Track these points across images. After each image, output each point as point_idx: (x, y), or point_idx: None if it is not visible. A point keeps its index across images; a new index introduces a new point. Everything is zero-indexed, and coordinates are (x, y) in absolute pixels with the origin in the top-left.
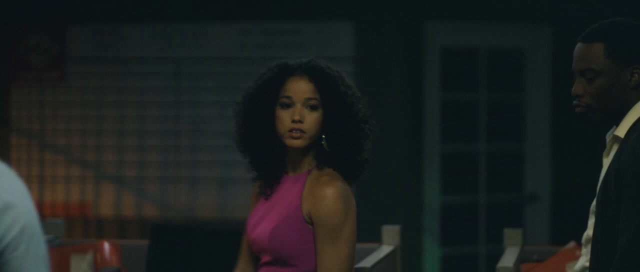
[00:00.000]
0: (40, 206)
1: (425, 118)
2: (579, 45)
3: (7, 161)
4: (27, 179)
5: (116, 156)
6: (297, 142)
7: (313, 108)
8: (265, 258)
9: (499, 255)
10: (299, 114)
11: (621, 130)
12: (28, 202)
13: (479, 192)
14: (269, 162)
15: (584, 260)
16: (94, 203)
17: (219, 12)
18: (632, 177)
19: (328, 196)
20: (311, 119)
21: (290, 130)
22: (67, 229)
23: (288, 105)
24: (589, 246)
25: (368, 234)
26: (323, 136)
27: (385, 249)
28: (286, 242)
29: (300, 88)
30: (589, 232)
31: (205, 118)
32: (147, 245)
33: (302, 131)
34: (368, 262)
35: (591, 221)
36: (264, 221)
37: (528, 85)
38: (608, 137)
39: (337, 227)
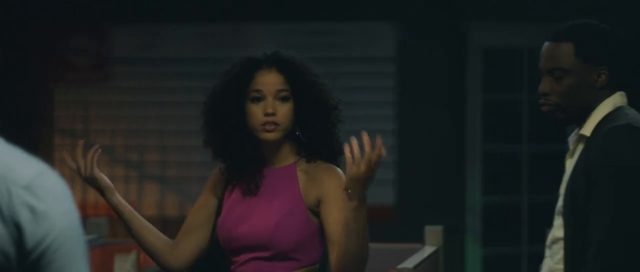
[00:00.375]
0: (83, 206)
1: (467, 118)
2: (547, 44)
3: (51, 161)
4: (71, 179)
5: (159, 155)
6: (271, 135)
7: (284, 99)
8: (259, 254)
9: (541, 255)
10: (271, 107)
11: (587, 129)
12: (64, 207)
13: (521, 192)
14: (245, 158)
15: (550, 261)
16: (137, 203)
17: (261, 13)
18: (601, 171)
19: (335, 177)
20: (284, 111)
21: (264, 124)
22: (111, 229)
23: (259, 99)
24: (554, 247)
25: (410, 234)
26: (297, 128)
27: (427, 250)
28: (290, 236)
29: (270, 81)
30: (555, 233)
31: None
32: None
33: (275, 124)
34: (410, 262)
35: (557, 222)
36: (253, 217)
37: None
38: (571, 139)
39: (343, 199)
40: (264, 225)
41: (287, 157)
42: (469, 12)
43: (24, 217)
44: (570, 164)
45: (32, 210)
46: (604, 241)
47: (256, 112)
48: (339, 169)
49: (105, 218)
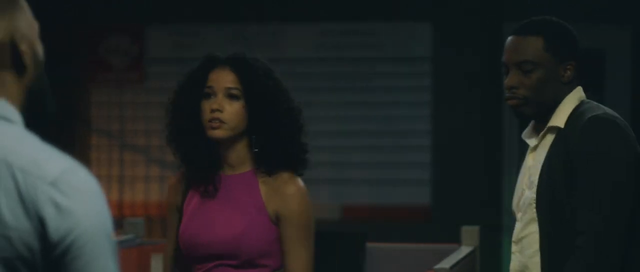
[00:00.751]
0: (119, 206)
1: (503, 118)
2: (513, 38)
3: (87, 160)
4: (107, 179)
5: None
6: (216, 133)
7: (233, 98)
8: (227, 261)
9: None
10: (217, 104)
11: (559, 121)
12: (91, 204)
13: None
14: (198, 157)
15: (520, 257)
16: None
17: (298, 13)
18: (589, 161)
19: (296, 194)
20: (231, 109)
21: (210, 120)
22: (147, 228)
23: (209, 96)
24: (524, 242)
25: (447, 234)
26: (252, 132)
27: (464, 250)
28: (258, 243)
29: (221, 78)
30: (524, 228)
31: None
32: None
33: (221, 121)
34: (447, 263)
35: (526, 216)
36: (217, 224)
37: (608, 86)
38: (527, 134)
39: (305, 225)
40: (231, 233)
41: (244, 163)
42: (504, 12)
43: (48, 212)
44: (535, 158)
45: (57, 205)
46: (601, 232)
47: (205, 108)
48: (299, 181)
49: (141, 218)
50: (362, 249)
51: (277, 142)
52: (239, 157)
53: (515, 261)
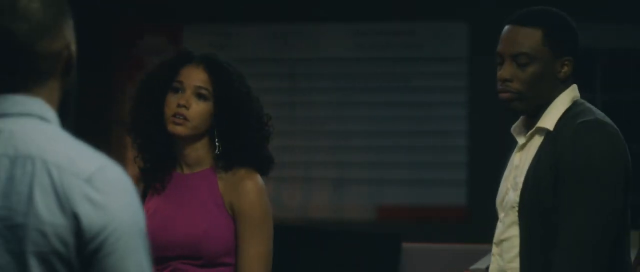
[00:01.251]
0: None
1: None
2: (511, 27)
3: (123, 159)
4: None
5: None
6: (178, 129)
7: (202, 98)
8: (189, 261)
9: None
10: (185, 100)
11: (548, 123)
12: (125, 201)
13: None
14: (157, 151)
15: (500, 260)
16: None
17: (334, 13)
18: (574, 170)
19: (252, 189)
20: (197, 109)
21: (174, 115)
22: None
23: (177, 90)
24: (504, 245)
25: (483, 235)
26: (216, 136)
27: None
28: (220, 242)
29: (193, 75)
30: (506, 230)
31: (320, 119)
32: None
33: (185, 118)
34: (483, 263)
35: (508, 219)
36: (177, 223)
37: None
38: (516, 130)
39: (260, 221)
40: (192, 232)
41: (202, 162)
42: None
43: (83, 208)
44: (522, 157)
45: (91, 202)
46: (572, 247)
47: (171, 102)
48: (257, 177)
49: None
50: (398, 250)
51: (239, 146)
52: (198, 157)
53: (494, 264)
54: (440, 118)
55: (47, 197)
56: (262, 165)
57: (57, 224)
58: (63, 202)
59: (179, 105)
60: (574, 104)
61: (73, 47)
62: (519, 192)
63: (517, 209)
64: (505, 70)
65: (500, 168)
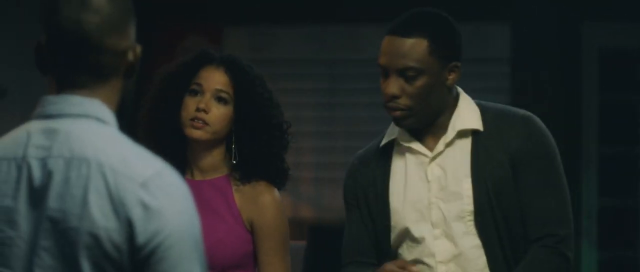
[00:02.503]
0: None
1: (582, 120)
2: (393, 39)
3: None
4: None
5: None
6: (197, 133)
7: (222, 101)
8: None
9: None
10: (205, 103)
11: (472, 123)
12: (180, 207)
13: (639, 195)
14: (170, 155)
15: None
16: None
17: (375, 14)
18: (541, 159)
19: (271, 204)
20: (218, 113)
21: (193, 119)
22: None
23: (196, 93)
24: (458, 261)
25: None
26: (234, 142)
27: None
28: (234, 252)
29: (213, 78)
30: (460, 243)
31: (360, 119)
32: (304, 246)
33: (204, 122)
34: None
35: (440, 231)
36: None
37: None
38: (407, 140)
39: (284, 237)
40: (207, 241)
41: (218, 168)
42: (584, 13)
43: (136, 213)
44: (445, 165)
45: (145, 207)
46: (569, 235)
47: (189, 104)
48: (275, 191)
49: None
50: None
51: (258, 153)
52: (213, 163)
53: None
54: None
55: (102, 201)
56: (279, 177)
57: (111, 229)
58: (117, 206)
59: (198, 109)
60: (480, 102)
61: (138, 51)
62: (466, 200)
63: (471, 218)
64: (392, 86)
65: None
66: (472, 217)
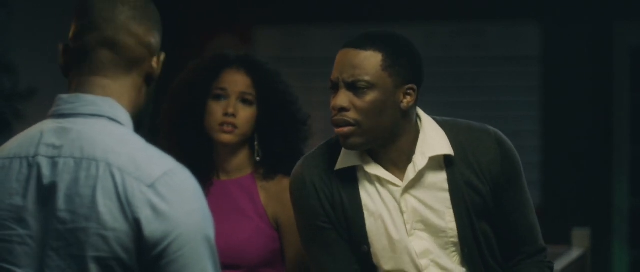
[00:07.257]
0: None
1: (614, 119)
2: (347, 51)
3: None
4: None
5: None
6: (227, 138)
7: (247, 103)
8: (229, 270)
9: None
10: (232, 107)
11: (444, 149)
12: (191, 207)
13: None
14: (196, 159)
15: None
16: None
17: (404, 13)
18: (516, 179)
19: None
20: (245, 115)
21: (222, 124)
22: None
23: (221, 97)
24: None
25: (557, 236)
26: (257, 138)
27: (575, 253)
28: (262, 251)
29: (236, 81)
30: (444, 266)
31: None
32: None
33: (234, 126)
34: (558, 265)
35: (427, 262)
36: (220, 231)
37: None
38: (364, 162)
39: None
40: (235, 241)
41: (243, 168)
42: (615, 12)
43: (145, 214)
44: (419, 195)
45: (154, 208)
46: (544, 248)
47: (216, 110)
48: None
49: None
50: None
51: (282, 148)
52: (239, 163)
53: None
54: (513, 118)
55: (110, 202)
56: None
57: (119, 230)
58: (125, 207)
59: (226, 114)
60: (443, 123)
61: (162, 58)
62: (450, 233)
63: (455, 249)
64: (341, 98)
65: (574, 169)
66: (455, 249)
